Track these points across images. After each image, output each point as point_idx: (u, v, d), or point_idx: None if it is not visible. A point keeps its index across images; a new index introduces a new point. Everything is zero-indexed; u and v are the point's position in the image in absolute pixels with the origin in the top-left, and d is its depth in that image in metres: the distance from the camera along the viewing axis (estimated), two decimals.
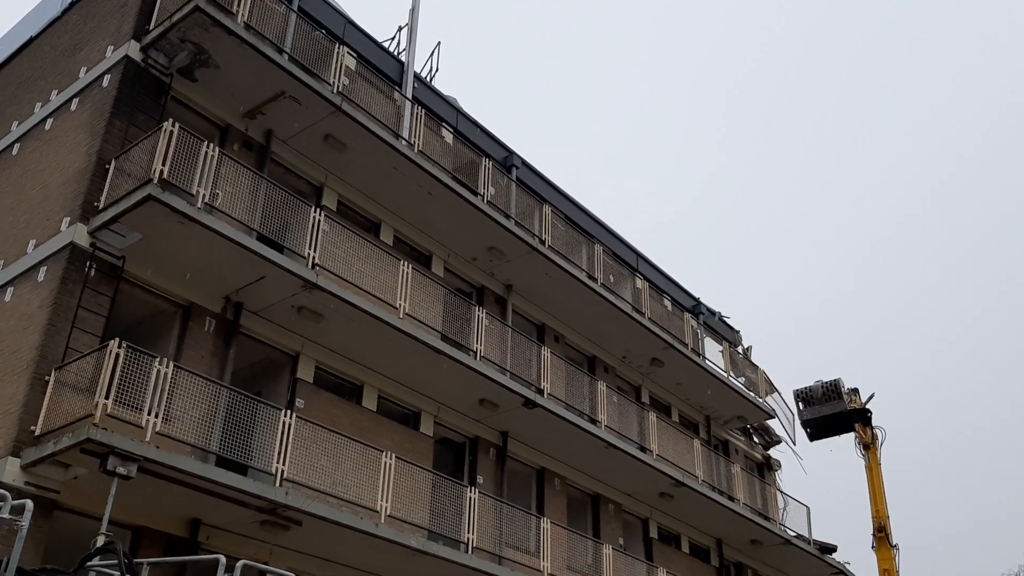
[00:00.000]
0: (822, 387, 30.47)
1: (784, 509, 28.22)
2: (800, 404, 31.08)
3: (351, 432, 15.71)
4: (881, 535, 31.85)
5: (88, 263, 13.65)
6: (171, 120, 13.98)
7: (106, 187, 14.18)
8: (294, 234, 15.65)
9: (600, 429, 20.84)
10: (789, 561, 27.61)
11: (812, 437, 31.52)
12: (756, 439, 30.64)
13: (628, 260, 26.31)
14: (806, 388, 30.47)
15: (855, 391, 31.37)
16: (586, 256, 23.21)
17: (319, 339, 16.43)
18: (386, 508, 15.27)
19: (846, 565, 28.46)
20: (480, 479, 19.02)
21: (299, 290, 15.14)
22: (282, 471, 13.83)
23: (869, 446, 31.08)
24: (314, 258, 15.47)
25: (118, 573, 9.61)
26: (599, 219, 26.06)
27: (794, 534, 27.19)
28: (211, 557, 10.36)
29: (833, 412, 30.15)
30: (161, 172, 13.41)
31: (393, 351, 16.89)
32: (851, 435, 30.96)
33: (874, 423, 30.94)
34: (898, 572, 29.59)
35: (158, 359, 12.77)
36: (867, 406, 30.56)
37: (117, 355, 12.22)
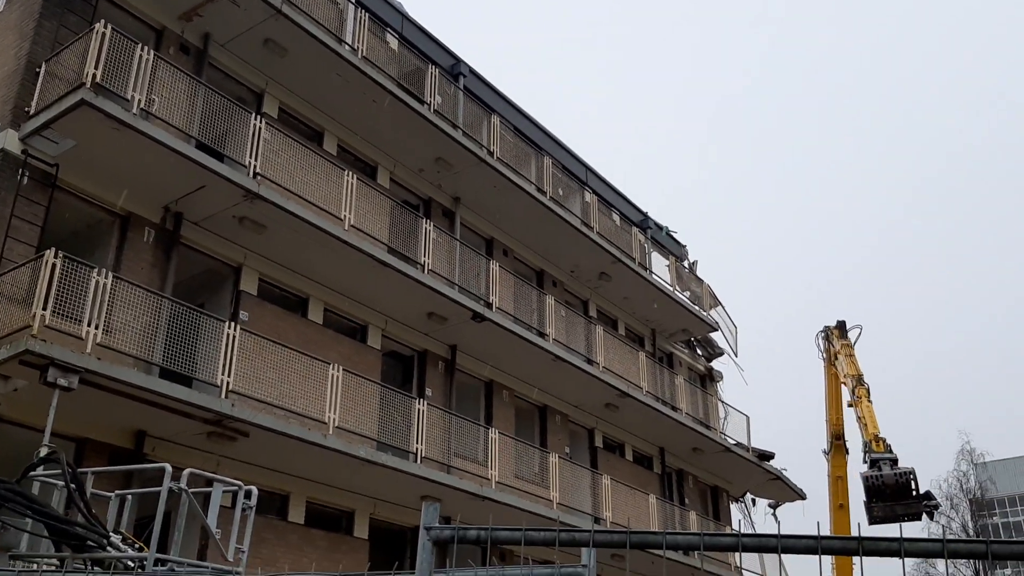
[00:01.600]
0: (894, 477, 26.69)
1: (725, 418, 29.01)
2: (869, 494, 27.73)
3: (297, 345, 15.63)
4: (839, 443, 32.99)
5: (20, 170, 13.16)
6: (103, 22, 13.37)
7: (37, 92, 13.59)
8: (234, 142, 15.23)
9: (548, 342, 21.03)
10: (729, 468, 28.51)
11: (873, 522, 28.46)
12: (699, 351, 31.25)
13: (577, 173, 26.20)
14: (876, 475, 26.04)
15: (841, 324, 30.97)
16: (535, 169, 23.05)
17: (262, 251, 16.17)
18: (334, 420, 15.33)
19: (783, 471, 29.47)
20: (429, 391, 19.15)
21: (240, 200, 14.81)
22: (227, 383, 13.76)
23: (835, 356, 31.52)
24: (255, 167, 15.11)
25: (62, 483, 9.50)
26: (548, 131, 25.80)
27: (734, 442, 28.02)
28: (157, 466, 10.24)
29: (908, 512, 27.00)
30: (94, 76, 12.87)
31: (339, 264, 16.71)
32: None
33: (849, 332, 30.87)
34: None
35: (96, 270, 12.47)
36: (923, 492, 27.69)
37: (53, 265, 11.91)
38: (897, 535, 4.34)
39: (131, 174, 14.05)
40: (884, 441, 27.51)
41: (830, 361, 33.39)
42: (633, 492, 23.14)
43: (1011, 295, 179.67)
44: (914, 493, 25.88)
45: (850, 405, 29.93)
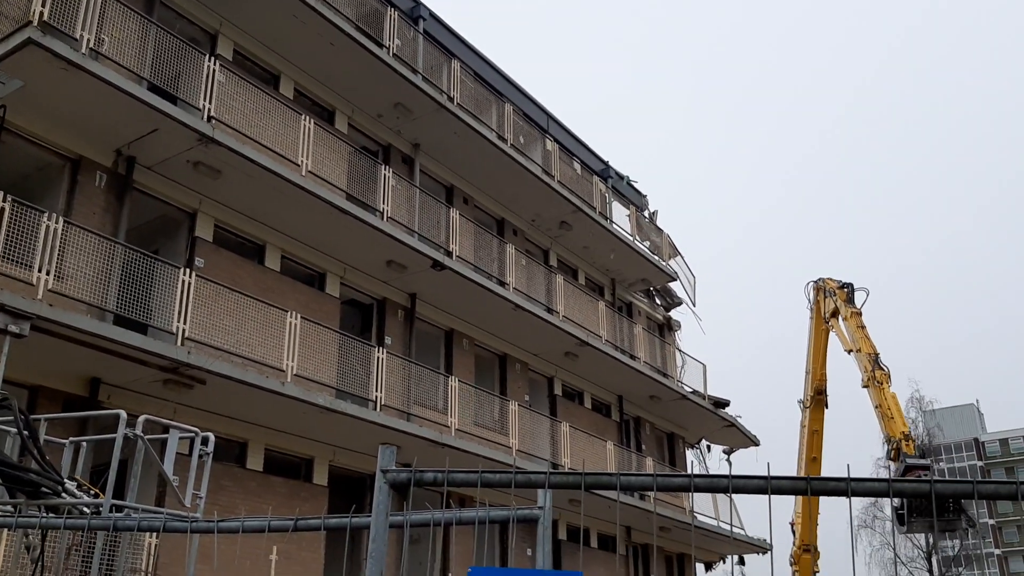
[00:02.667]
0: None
1: (682, 367, 29.40)
2: (909, 509, 27.37)
3: (254, 292, 15.49)
4: (819, 397, 33.51)
5: None
6: None
7: None
8: (188, 85, 14.88)
9: (508, 291, 21.06)
10: (685, 415, 28.98)
11: (909, 532, 28.15)
12: (658, 301, 31.51)
13: (539, 121, 26.03)
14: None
15: (849, 288, 30.66)
16: (496, 116, 22.85)
17: (218, 196, 15.90)
18: (292, 367, 15.28)
19: (737, 418, 30.02)
20: (388, 340, 19.12)
21: (194, 144, 14.51)
22: (183, 330, 13.63)
23: (830, 315, 31.46)
24: (210, 110, 14.78)
25: (15, 430, 9.39)
26: (509, 77, 25.53)
27: (690, 390, 28.44)
28: (112, 412, 10.16)
29: (947, 528, 26.94)
30: (41, 14, 12.45)
31: (296, 210, 16.51)
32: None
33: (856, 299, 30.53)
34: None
35: (47, 214, 12.20)
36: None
37: (2, 209, 11.63)
38: (844, 475, 4.45)
39: (81, 116, 13.68)
40: (913, 441, 27.38)
41: (819, 314, 33.56)
42: (591, 439, 23.44)
43: (957, 239, 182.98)
44: (951, 506, 25.62)
45: (864, 386, 29.83)
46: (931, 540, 67.45)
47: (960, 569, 73.79)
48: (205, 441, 9.54)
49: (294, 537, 15.12)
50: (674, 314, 31.97)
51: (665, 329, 31.22)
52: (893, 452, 27.80)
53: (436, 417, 18.76)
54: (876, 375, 28.27)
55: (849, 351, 30.96)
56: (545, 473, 4.82)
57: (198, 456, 9.59)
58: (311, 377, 15.65)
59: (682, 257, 30.20)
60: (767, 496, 4.52)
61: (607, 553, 24.38)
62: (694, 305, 31.02)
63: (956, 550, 71.06)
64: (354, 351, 17.08)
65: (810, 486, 4.37)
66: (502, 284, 21.19)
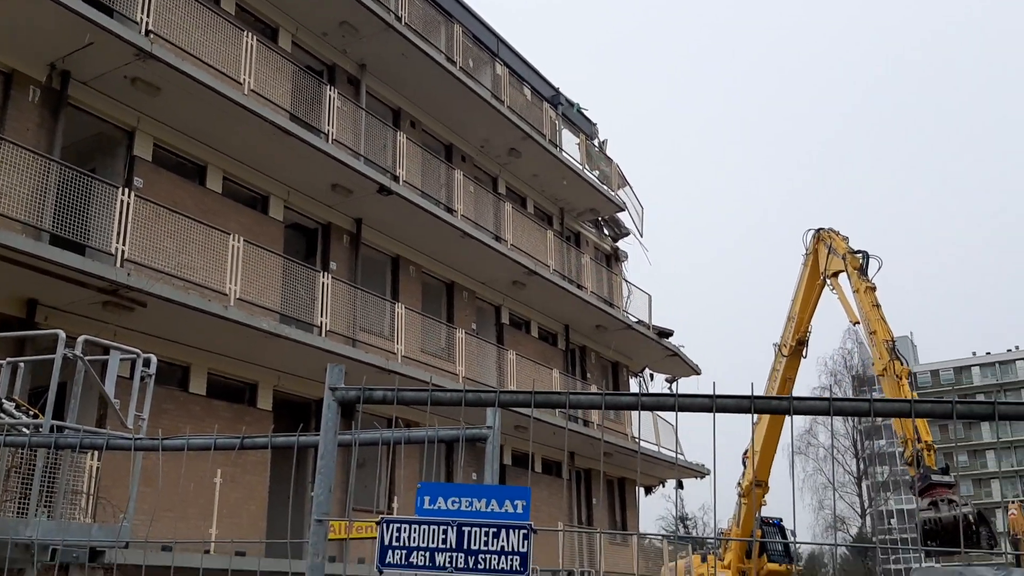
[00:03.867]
0: (953, 519, 25.45)
1: (628, 297, 29.69)
2: (926, 536, 26.66)
3: (195, 214, 15.14)
4: (799, 347, 33.88)
5: None
6: None
7: None
8: None
9: (456, 218, 20.90)
10: (630, 344, 29.35)
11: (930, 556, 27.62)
12: (606, 231, 31.62)
13: (489, 44, 25.57)
14: (934, 519, 25.68)
15: (863, 256, 29.91)
16: (445, 38, 22.37)
17: (157, 114, 15.38)
18: (235, 291, 15.06)
19: (680, 348, 30.53)
20: (333, 265, 18.90)
21: (132, 59, 13.94)
22: (123, 251, 13.30)
23: (832, 274, 31.22)
24: (147, 24, 14.21)
25: None
26: None
27: (636, 320, 28.78)
28: (50, 333, 9.93)
29: (969, 547, 26.10)
30: None
31: (238, 130, 16.06)
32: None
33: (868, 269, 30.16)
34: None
35: None
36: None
37: None
38: (786, 395, 4.52)
39: (12, 27, 13.04)
40: (935, 451, 26.66)
41: (815, 266, 33.47)
42: (537, 367, 23.66)
43: (900, 172, 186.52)
44: (975, 529, 25.12)
45: (879, 374, 29.34)
46: (862, 467, 70.09)
47: (888, 494, 76.96)
48: (147, 363, 9.38)
49: (239, 461, 15.10)
50: (622, 244, 32.15)
51: (612, 259, 31.40)
52: (912, 459, 27.67)
53: (383, 344, 18.72)
54: (895, 368, 27.37)
55: (855, 323, 30.81)
56: (495, 391, 4.82)
57: (140, 378, 9.44)
58: (255, 301, 15.45)
59: (631, 188, 30.26)
60: (712, 415, 4.59)
61: (551, 477, 24.84)
62: (641, 236, 31.21)
63: (885, 476, 73.96)
64: (299, 276, 16.87)
65: (753, 404, 4.43)
66: (450, 211, 21.02)
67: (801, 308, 34.28)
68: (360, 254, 19.71)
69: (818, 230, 33.32)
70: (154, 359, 9.46)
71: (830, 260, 31.96)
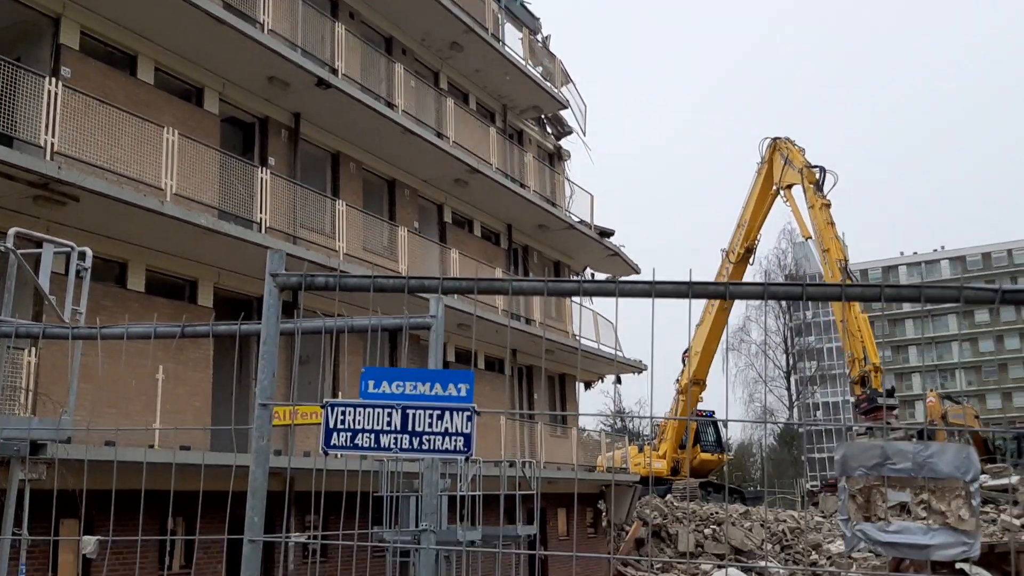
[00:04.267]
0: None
1: (570, 197, 29.77)
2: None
3: (127, 106, 14.64)
4: (747, 255, 34.30)
5: None
6: None
7: None
8: None
9: (397, 114, 20.55)
10: (572, 244, 29.60)
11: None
12: (549, 129, 31.41)
13: None
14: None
15: (820, 172, 29.93)
16: None
17: (83, 0, 14.66)
18: (171, 186, 14.74)
19: (621, 248, 30.88)
20: (272, 161, 18.53)
21: None
22: (52, 144, 12.86)
23: (786, 186, 31.23)
24: None
25: None
26: None
27: (577, 219, 28.94)
28: None
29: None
30: None
31: (169, 18, 15.43)
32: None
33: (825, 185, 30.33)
34: None
35: None
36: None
37: None
38: (723, 281, 4.66)
39: None
40: (882, 373, 27.92)
41: (769, 175, 33.48)
42: (480, 266, 23.75)
43: (842, 78, 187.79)
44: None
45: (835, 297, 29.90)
46: (791, 362, 72.53)
47: (815, 387, 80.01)
48: (82, 256, 9.18)
49: (181, 357, 15.05)
50: (564, 143, 32.02)
51: (555, 158, 31.31)
52: (860, 378, 28.68)
53: (324, 241, 18.58)
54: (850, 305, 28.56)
55: (807, 238, 31.12)
56: (438, 279, 4.87)
57: (75, 273, 9.26)
58: (192, 197, 15.15)
59: (574, 85, 29.96)
60: (651, 301, 4.71)
61: (494, 374, 25.26)
62: (584, 134, 31.11)
63: (812, 370, 76.73)
64: (236, 171, 16.53)
65: (691, 289, 4.56)
66: (390, 106, 20.64)
67: (752, 216, 34.61)
68: (299, 150, 19.34)
69: (775, 139, 33.33)
70: (89, 252, 9.26)
71: (785, 172, 32.07)
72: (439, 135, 22.45)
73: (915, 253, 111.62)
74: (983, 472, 36.04)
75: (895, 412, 27.86)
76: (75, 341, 7.90)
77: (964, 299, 4.20)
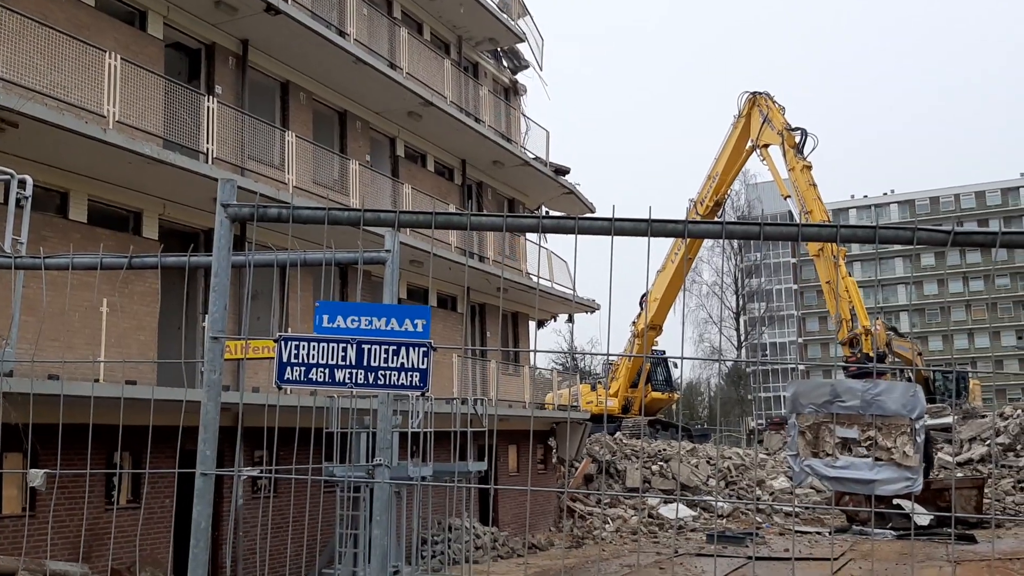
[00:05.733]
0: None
1: (526, 133, 29.48)
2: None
3: (67, 29, 14.01)
4: (716, 207, 34.23)
5: None
6: None
7: None
8: None
9: (349, 42, 20.01)
10: (526, 181, 29.39)
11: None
12: (505, 63, 30.94)
13: None
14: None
15: (801, 134, 29.42)
16: None
17: None
18: (114, 113, 14.24)
19: (576, 186, 30.77)
20: (219, 89, 17.98)
21: None
22: None
23: (763, 144, 30.93)
24: None
25: None
26: None
27: (533, 156, 28.70)
28: None
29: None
30: None
31: None
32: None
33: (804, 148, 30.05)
34: None
35: None
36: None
37: None
38: (682, 219, 4.62)
39: None
40: (871, 336, 27.69)
41: (747, 130, 33.13)
42: (434, 201, 23.51)
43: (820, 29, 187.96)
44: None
45: (814, 255, 29.46)
46: (740, 303, 73.69)
47: (763, 328, 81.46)
48: (22, 184, 8.88)
49: (126, 290, 14.72)
50: (521, 77, 31.58)
51: (511, 93, 30.90)
52: (849, 339, 28.83)
53: (272, 174, 18.19)
54: (832, 250, 28.11)
55: (786, 197, 30.99)
56: (395, 212, 4.75)
57: (15, 201, 8.95)
58: (136, 125, 14.66)
59: (531, 17, 29.44)
60: (610, 238, 4.65)
61: (447, 311, 25.21)
62: (541, 69, 30.70)
63: (762, 311, 78.08)
64: (182, 99, 16.01)
65: (651, 227, 4.52)
66: (342, 34, 20.09)
67: (724, 169, 34.53)
68: (247, 78, 18.78)
69: (754, 94, 33.05)
70: (29, 180, 8.96)
71: (764, 130, 31.91)
72: (392, 66, 21.96)
73: (865, 196, 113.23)
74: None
75: (884, 378, 28.45)
76: (17, 272, 7.66)
77: (917, 240, 4.23)
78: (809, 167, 30.40)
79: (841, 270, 29.05)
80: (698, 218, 35.12)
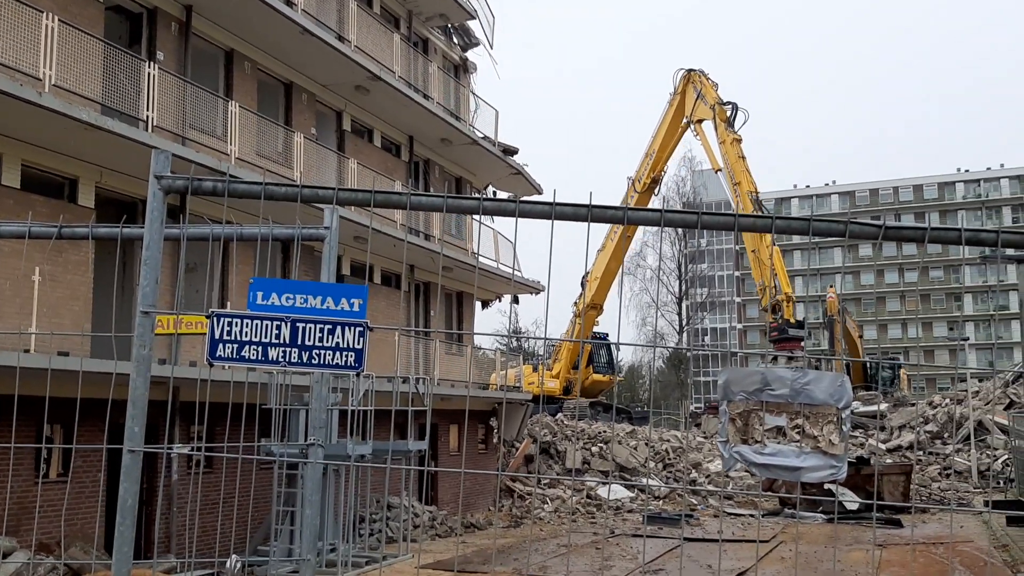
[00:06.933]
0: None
1: (475, 111, 29.35)
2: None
3: None
4: (653, 185, 34.50)
5: None
6: None
7: None
8: None
9: (296, 12, 19.66)
10: (475, 160, 29.29)
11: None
12: (456, 40, 30.70)
13: None
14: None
15: (732, 108, 29.94)
16: None
17: None
18: (50, 77, 13.83)
19: (524, 167, 30.76)
20: (160, 55, 17.54)
21: None
22: None
23: (697, 120, 31.23)
24: None
25: None
26: None
27: (482, 135, 28.60)
28: None
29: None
30: None
31: None
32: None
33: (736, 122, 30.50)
34: None
35: None
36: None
37: None
38: (622, 205, 4.64)
39: None
40: (793, 302, 28.56)
41: (681, 107, 33.43)
42: (380, 178, 23.30)
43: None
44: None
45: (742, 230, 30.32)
46: (683, 287, 74.58)
47: (704, 314, 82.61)
48: None
49: (59, 259, 14.35)
50: (471, 55, 31.38)
51: (461, 71, 30.69)
52: (772, 305, 29.51)
53: (215, 144, 17.84)
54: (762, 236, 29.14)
55: (717, 171, 31.52)
56: (334, 188, 4.70)
57: None
58: (73, 89, 14.25)
59: None
60: (550, 222, 4.66)
61: (390, 289, 25.07)
62: (492, 47, 30.54)
63: (704, 297, 79.14)
64: (122, 65, 15.60)
65: (591, 213, 4.54)
66: (289, 4, 19.71)
67: (660, 147, 34.92)
68: (190, 45, 18.34)
69: (689, 71, 33.41)
70: None
71: (697, 106, 32.37)
72: (340, 38, 21.64)
73: (807, 187, 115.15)
74: (855, 399, 38.29)
75: (802, 344, 29.24)
76: None
77: (850, 233, 4.32)
78: (739, 140, 31.15)
79: (765, 239, 29.90)
80: (636, 195, 35.58)
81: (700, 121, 32.61)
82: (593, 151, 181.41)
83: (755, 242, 30.17)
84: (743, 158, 30.85)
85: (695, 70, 33.21)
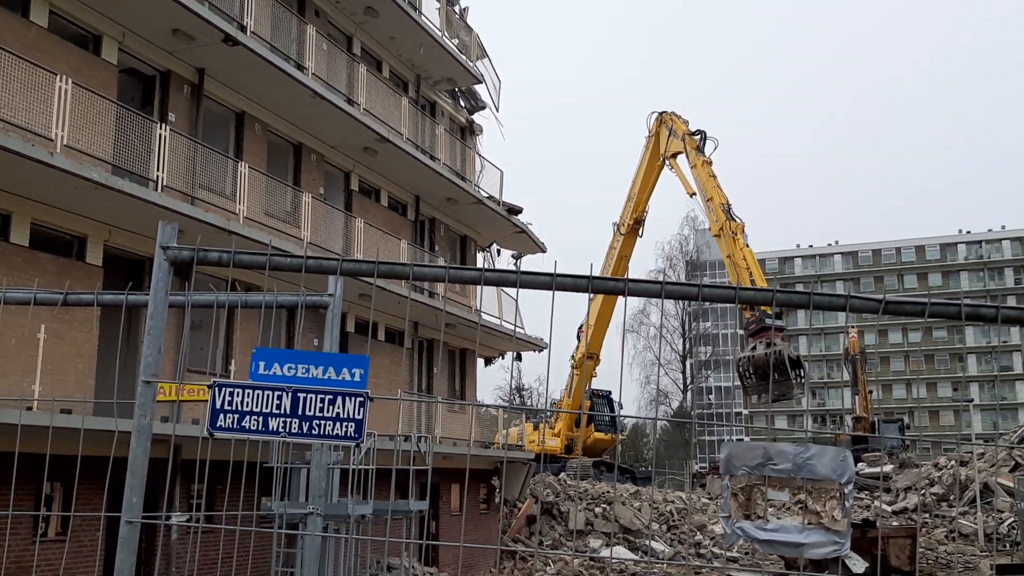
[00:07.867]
0: (765, 357, 27.44)
1: (480, 172, 29.65)
2: (742, 378, 28.95)
3: (17, 49, 13.84)
4: (636, 226, 34.98)
5: None
6: None
7: None
8: None
9: (307, 76, 20.03)
10: (479, 219, 29.51)
11: (749, 394, 30.49)
12: (462, 103, 31.18)
13: None
14: (746, 358, 28.79)
15: (701, 135, 30.89)
16: None
17: None
18: (63, 137, 14.06)
19: (528, 225, 30.97)
20: (172, 117, 17.84)
21: None
22: None
23: (671, 155, 31.99)
24: None
25: None
26: None
27: (486, 195, 28.86)
28: None
29: (781, 394, 28.30)
30: None
31: None
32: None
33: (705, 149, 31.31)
34: None
35: None
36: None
37: None
38: (622, 278, 4.70)
39: None
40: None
41: (656, 147, 34.27)
42: (386, 236, 23.47)
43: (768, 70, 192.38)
44: (787, 367, 27.66)
45: (715, 235, 30.87)
46: (687, 346, 74.41)
47: (708, 372, 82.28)
48: None
49: (66, 316, 14.42)
50: (477, 118, 31.83)
51: (467, 132, 31.09)
52: (755, 318, 29.68)
53: (224, 203, 18.03)
54: (730, 226, 29.76)
55: (692, 195, 32.23)
56: (337, 259, 4.76)
57: None
58: (84, 150, 14.47)
59: (489, 60, 29.76)
60: (551, 293, 4.71)
61: (394, 346, 25.08)
62: (497, 110, 30.97)
63: (708, 355, 78.88)
64: (134, 126, 15.86)
65: (591, 284, 4.59)
66: (300, 68, 20.10)
67: (640, 188, 35.56)
68: (202, 107, 18.66)
69: (660, 113, 34.31)
70: None
71: (670, 142, 33.29)
72: (350, 101, 22.00)
73: (811, 246, 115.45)
74: (860, 460, 37.88)
75: (781, 333, 29.12)
76: None
77: (850, 308, 4.37)
78: (709, 163, 32.14)
79: (739, 242, 30.52)
80: (621, 238, 35.93)
81: (675, 156, 33.64)
82: (585, 185, 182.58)
83: (729, 248, 30.72)
84: (713, 176, 31.97)
85: (666, 112, 34.48)
